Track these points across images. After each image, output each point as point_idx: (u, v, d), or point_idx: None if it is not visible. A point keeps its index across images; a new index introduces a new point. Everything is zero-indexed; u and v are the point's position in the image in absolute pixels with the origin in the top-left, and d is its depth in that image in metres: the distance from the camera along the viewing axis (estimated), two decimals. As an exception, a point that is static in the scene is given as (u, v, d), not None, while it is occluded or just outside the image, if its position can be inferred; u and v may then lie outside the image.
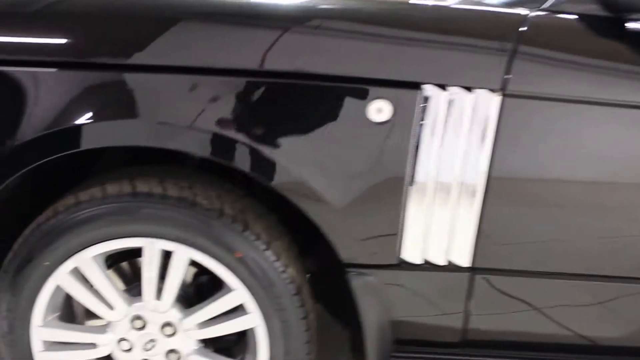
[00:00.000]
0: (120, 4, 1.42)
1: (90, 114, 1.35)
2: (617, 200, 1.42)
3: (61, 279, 1.48)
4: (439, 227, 1.41)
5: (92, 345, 1.57)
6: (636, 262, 1.47)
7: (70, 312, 1.66)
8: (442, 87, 1.33)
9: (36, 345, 1.56)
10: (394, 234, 1.42)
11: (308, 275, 1.62)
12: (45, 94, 1.35)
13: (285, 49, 1.34)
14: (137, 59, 1.35)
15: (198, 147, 1.37)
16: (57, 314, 1.57)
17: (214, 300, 1.51)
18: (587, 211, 1.43)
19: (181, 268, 1.47)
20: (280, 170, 1.37)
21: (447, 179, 1.37)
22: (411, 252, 1.44)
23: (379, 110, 1.33)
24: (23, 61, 1.36)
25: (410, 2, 1.55)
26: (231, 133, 1.34)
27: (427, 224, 1.41)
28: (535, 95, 1.34)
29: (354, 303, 1.50)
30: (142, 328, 1.54)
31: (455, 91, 1.33)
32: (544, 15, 1.39)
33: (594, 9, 1.38)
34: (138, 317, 1.53)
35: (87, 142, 1.37)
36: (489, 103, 1.33)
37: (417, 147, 1.35)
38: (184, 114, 1.34)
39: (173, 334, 1.54)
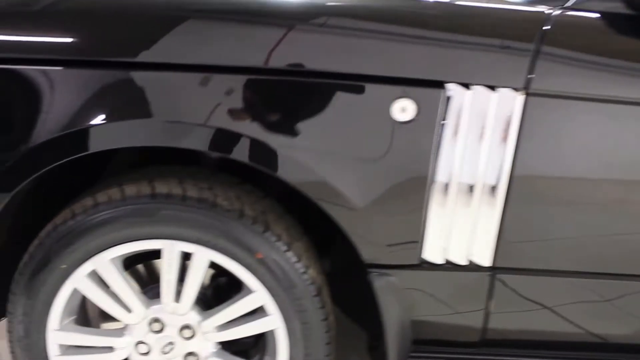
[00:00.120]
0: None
1: (103, 115, 1.33)
2: None
3: (79, 281, 1.46)
4: (460, 226, 1.41)
5: (109, 349, 1.55)
6: None
7: (84, 316, 1.64)
8: (466, 86, 1.32)
9: (52, 350, 1.54)
10: (416, 234, 1.41)
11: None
12: (59, 95, 1.33)
13: (310, 48, 1.33)
14: (148, 56, 1.32)
15: (221, 147, 1.35)
16: (74, 317, 1.55)
17: (233, 302, 1.49)
18: (607, 210, 1.43)
19: (201, 270, 1.45)
20: (303, 170, 1.36)
21: (469, 178, 1.36)
22: (433, 252, 1.43)
23: (403, 109, 1.32)
24: (33, 60, 1.33)
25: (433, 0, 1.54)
26: (254, 133, 1.33)
27: (449, 224, 1.40)
28: (559, 94, 1.33)
29: (369, 303, 1.49)
30: (160, 331, 1.52)
31: (478, 90, 1.32)
32: (567, 14, 1.39)
33: (618, 7, 1.37)
34: (156, 320, 1.52)
35: (101, 144, 1.35)
36: (512, 102, 1.32)
37: (439, 147, 1.34)
38: (213, 114, 1.32)
39: (192, 337, 1.53)
